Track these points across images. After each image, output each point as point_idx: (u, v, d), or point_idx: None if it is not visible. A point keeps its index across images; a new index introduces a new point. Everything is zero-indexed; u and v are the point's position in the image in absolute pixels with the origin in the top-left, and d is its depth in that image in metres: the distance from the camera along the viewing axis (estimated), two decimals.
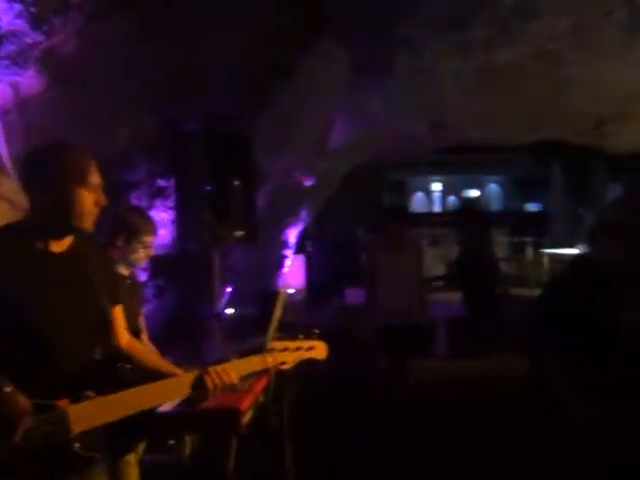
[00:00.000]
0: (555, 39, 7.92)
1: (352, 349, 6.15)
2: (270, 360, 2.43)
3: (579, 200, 13.07)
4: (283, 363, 2.48)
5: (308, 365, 2.60)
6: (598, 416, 1.80)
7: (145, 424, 2.54)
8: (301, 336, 2.54)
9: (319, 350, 2.58)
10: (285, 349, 2.50)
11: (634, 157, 12.41)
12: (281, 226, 8.15)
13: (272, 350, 2.46)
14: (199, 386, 2.23)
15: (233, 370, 2.29)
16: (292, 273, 8.98)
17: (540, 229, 13.94)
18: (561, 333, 1.91)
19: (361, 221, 12.66)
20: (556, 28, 7.54)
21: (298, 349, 2.51)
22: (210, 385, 2.22)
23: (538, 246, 13.70)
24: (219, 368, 2.27)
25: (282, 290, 2.97)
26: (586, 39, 7.73)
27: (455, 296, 7.68)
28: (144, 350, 2.51)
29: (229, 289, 5.66)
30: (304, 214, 8.99)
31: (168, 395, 2.27)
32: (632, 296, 1.98)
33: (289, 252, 8.67)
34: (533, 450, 2.20)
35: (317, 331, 2.59)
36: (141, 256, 3.21)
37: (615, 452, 1.91)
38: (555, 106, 10.21)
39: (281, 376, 3.11)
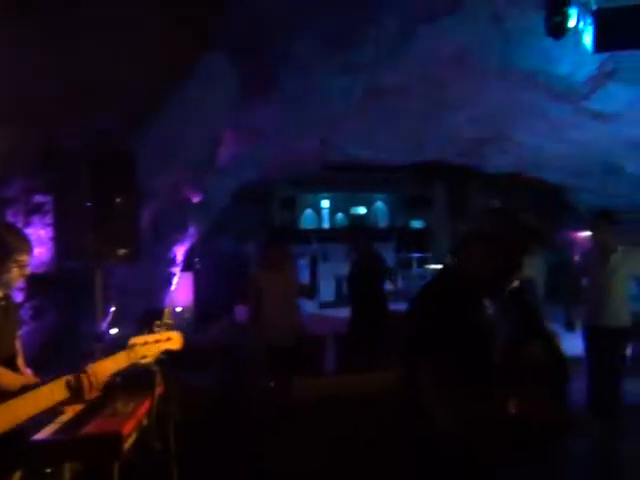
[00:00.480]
0: (438, 63, 8.27)
1: (240, 368, 6.11)
2: (132, 355, 2.48)
3: (460, 217, 13.65)
4: (144, 357, 2.54)
5: (195, 385, 2.60)
6: (465, 423, 1.89)
7: (19, 452, 2.44)
8: (158, 329, 2.61)
9: (175, 340, 2.66)
10: (145, 343, 2.56)
11: (510, 176, 13.14)
12: (168, 243, 8.01)
13: (133, 345, 2.51)
14: (74, 387, 2.22)
15: (101, 369, 2.32)
16: (180, 291, 8.83)
17: (424, 245, 14.43)
18: (429, 343, 2.00)
19: (251, 237, 12.67)
20: (440, 53, 7.87)
21: (157, 342, 2.58)
22: (85, 384, 2.22)
23: (423, 262, 14.17)
24: (89, 369, 2.28)
25: (168, 309, 2.95)
26: (467, 64, 8.12)
27: (344, 312, 7.80)
28: (4, 373, 2.47)
29: (112, 308, 5.48)
30: (192, 230, 8.88)
31: (42, 402, 2.21)
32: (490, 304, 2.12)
33: (176, 269, 8.52)
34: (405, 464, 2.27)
35: (170, 322, 2.66)
36: (15, 276, 3.06)
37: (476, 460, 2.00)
38: (438, 128, 10.64)
39: (165, 398, 3.05)
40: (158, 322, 2.73)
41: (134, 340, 2.55)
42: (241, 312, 8.25)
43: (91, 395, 2.28)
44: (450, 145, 11.69)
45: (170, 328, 2.66)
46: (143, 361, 2.54)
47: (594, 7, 6.04)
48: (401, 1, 6.36)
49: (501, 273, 2.14)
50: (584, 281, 6.28)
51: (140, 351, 2.52)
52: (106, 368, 2.36)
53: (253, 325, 5.75)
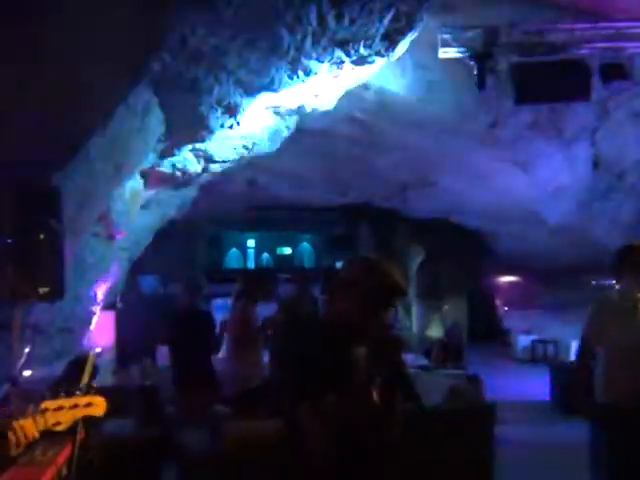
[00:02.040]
0: (364, 109, 8.47)
1: (161, 412, 5.97)
2: (42, 422, 2.22)
3: (386, 259, 13.91)
4: (57, 423, 2.28)
5: (116, 431, 2.48)
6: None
7: None
8: (78, 392, 2.37)
9: (98, 406, 2.42)
10: (60, 408, 2.30)
11: (434, 220, 13.50)
12: (89, 281, 7.79)
13: (45, 410, 2.26)
14: None
15: (28, 426, 2.14)
16: (100, 331, 8.57)
17: None
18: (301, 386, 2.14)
19: (175, 276, 12.47)
20: (365, 98, 8.07)
21: (75, 407, 2.32)
22: (12, 440, 2.07)
23: None
24: (16, 425, 2.12)
25: (92, 353, 2.83)
26: (391, 111, 8.35)
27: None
28: None
29: (27, 349, 5.26)
30: (115, 268, 8.67)
31: None
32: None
33: (97, 308, 8.28)
34: None
35: (95, 385, 2.47)
36: None
37: None
38: (363, 171, 10.85)
39: (86, 445, 2.93)
40: (80, 384, 2.55)
41: (47, 404, 2.28)
42: (163, 353, 8.09)
43: (17, 451, 2.09)
44: (375, 188, 11.93)
45: (93, 393, 2.39)
46: (56, 428, 2.25)
47: (512, 61, 6.36)
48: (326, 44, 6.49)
49: (359, 316, 2.28)
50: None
51: (53, 417, 2.24)
52: (32, 426, 2.14)
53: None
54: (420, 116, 8.43)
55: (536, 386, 10.18)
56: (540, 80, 6.31)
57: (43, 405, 2.28)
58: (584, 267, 11.94)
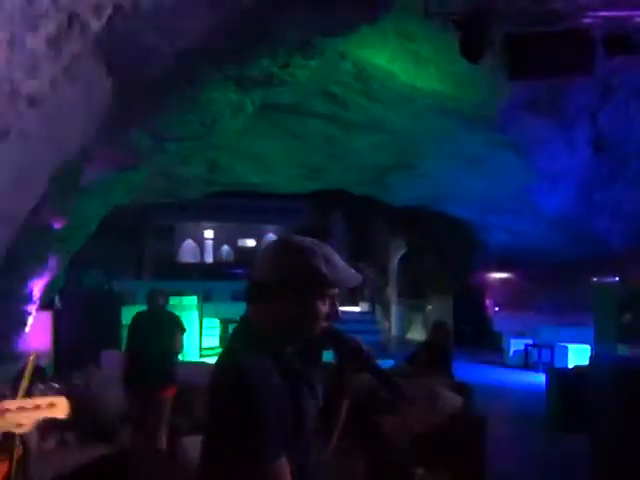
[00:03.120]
0: (340, 82, 8.47)
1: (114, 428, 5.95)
2: (2, 423, 2.28)
3: (360, 253, 13.90)
4: (20, 425, 2.34)
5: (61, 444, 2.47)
6: None
7: None
8: (38, 393, 2.42)
9: (60, 407, 2.49)
10: (21, 408, 2.36)
11: (415, 210, 13.53)
12: (23, 277, 7.69)
13: (5, 411, 2.31)
14: None
15: None
16: (36, 333, 8.48)
17: None
18: None
19: (121, 271, 12.38)
20: (342, 70, 8.06)
21: (37, 408, 2.38)
22: None
23: None
24: None
25: (32, 356, 2.81)
26: (371, 85, 8.35)
27: None
28: None
29: None
30: (53, 263, 8.57)
31: None
32: None
33: (32, 308, 8.19)
34: None
35: (57, 385, 2.49)
36: None
37: None
38: (338, 153, 10.86)
39: (25, 462, 2.91)
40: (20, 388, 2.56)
41: (6, 404, 2.34)
42: (110, 359, 8.05)
43: None
44: (351, 172, 11.94)
45: (55, 393, 2.45)
46: (18, 430, 2.33)
47: (507, 31, 6.39)
48: (302, 14, 6.48)
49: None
50: None
51: (14, 418, 2.30)
52: None
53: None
54: (403, 92, 8.45)
55: (531, 396, 10.31)
56: (538, 53, 6.36)
57: (4, 405, 2.32)
58: (584, 263, 12.12)
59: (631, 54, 6.47)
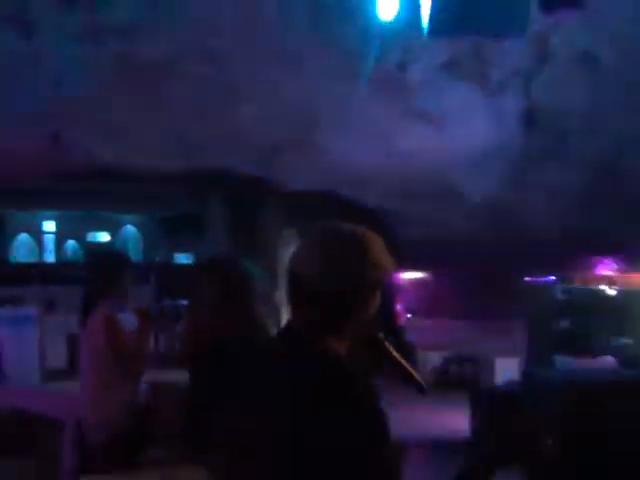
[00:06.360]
0: (218, 34, 8.43)
1: None
2: None
3: (248, 248, 13.83)
4: None
5: None
6: None
7: None
8: None
9: None
10: None
11: (312, 195, 13.61)
12: None
13: None
14: None
15: None
16: None
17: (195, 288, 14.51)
18: None
19: None
20: (220, 21, 8.04)
21: None
22: None
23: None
24: None
25: None
26: (259, 39, 8.35)
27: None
28: None
29: None
30: None
31: None
32: None
33: None
34: None
35: None
36: None
37: None
38: (216, 124, 10.79)
39: None
40: None
41: None
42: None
43: None
44: (234, 149, 11.91)
45: None
46: None
47: None
48: None
49: None
50: None
51: None
52: None
53: None
54: (297, 50, 8.49)
55: (452, 419, 10.57)
56: (461, 5, 6.51)
57: None
58: (514, 260, 12.48)
59: (574, 8, 6.70)
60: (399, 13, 6.36)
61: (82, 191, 14.71)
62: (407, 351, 9.11)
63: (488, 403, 9.23)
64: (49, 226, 16.59)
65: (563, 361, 7.06)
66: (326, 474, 1.84)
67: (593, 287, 7.45)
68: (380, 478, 1.89)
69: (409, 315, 17.07)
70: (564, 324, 7.30)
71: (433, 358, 14.90)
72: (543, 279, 7.72)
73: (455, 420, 10.27)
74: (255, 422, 1.98)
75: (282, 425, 1.90)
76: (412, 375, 2.31)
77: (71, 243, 16.91)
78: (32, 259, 16.33)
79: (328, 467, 1.83)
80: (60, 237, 16.80)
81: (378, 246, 2.24)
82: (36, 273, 14.81)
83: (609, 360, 6.93)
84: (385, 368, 2.34)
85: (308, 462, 1.83)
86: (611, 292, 7.26)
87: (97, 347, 5.62)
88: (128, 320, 5.83)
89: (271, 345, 2.21)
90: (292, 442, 1.86)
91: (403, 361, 2.35)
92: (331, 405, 1.89)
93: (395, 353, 2.33)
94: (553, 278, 7.71)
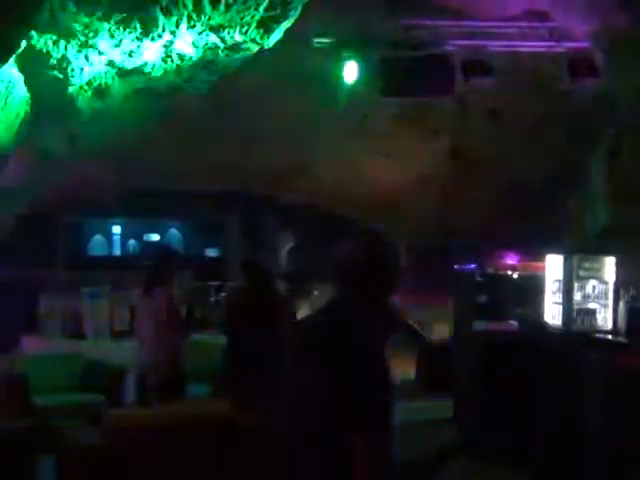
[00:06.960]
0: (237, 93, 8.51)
1: None
2: None
3: (253, 247, 13.95)
4: None
5: None
6: None
7: None
8: None
9: None
10: None
11: (303, 207, 13.66)
12: None
13: None
14: None
15: None
16: None
17: (220, 274, 14.54)
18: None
19: (35, 264, 12.03)
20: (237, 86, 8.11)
21: None
22: None
23: (220, 290, 14.25)
24: None
25: None
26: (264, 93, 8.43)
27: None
28: None
29: None
30: None
31: None
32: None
33: None
34: None
35: None
36: None
37: None
38: (236, 159, 10.82)
39: None
40: None
41: None
42: (30, 344, 7.99)
43: None
44: (247, 177, 11.91)
45: None
46: None
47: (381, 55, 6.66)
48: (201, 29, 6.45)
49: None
50: None
51: None
52: None
53: None
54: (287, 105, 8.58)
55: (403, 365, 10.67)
56: (406, 74, 6.66)
57: None
58: (449, 253, 12.53)
59: (486, 76, 6.87)
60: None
61: (139, 204, 14.77)
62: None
63: (429, 353, 9.44)
64: (116, 229, 16.68)
65: (479, 324, 7.21)
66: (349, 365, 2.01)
67: (501, 272, 7.65)
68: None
69: None
70: (481, 299, 7.42)
71: None
72: (467, 267, 7.88)
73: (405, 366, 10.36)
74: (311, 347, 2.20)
75: (327, 344, 2.12)
76: (417, 331, 2.47)
77: (132, 242, 16.99)
78: (104, 253, 16.40)
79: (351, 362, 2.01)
80: (124, 237, 16.86)
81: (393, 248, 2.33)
82: (107, 263, 14.90)
83: (513, 323, 7.14)
84: (398, 327, 2.47)
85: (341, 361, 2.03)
86: (514, 276, 7.46)
87: (160, 317, 5.75)
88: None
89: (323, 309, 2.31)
90: (334, 349, 2.07)
91: (410, 322, 2.51)
92: (354, 335, 2.11)
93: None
94: (474, 266, 7.88)
